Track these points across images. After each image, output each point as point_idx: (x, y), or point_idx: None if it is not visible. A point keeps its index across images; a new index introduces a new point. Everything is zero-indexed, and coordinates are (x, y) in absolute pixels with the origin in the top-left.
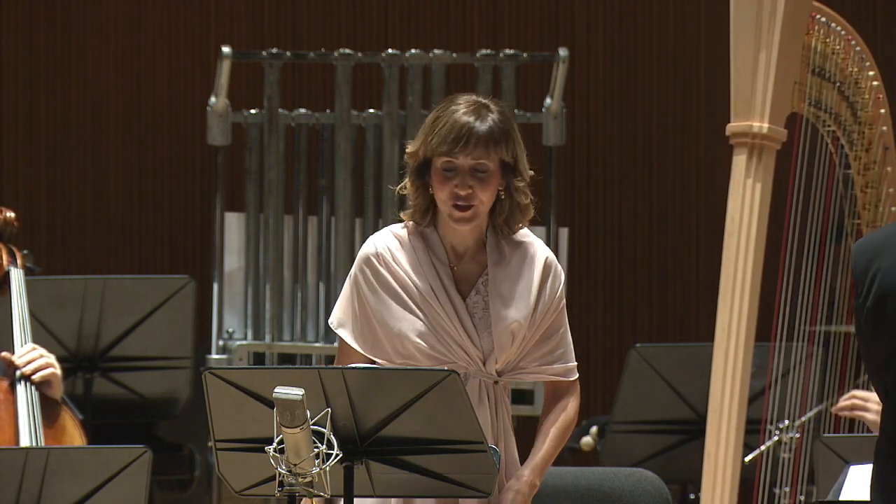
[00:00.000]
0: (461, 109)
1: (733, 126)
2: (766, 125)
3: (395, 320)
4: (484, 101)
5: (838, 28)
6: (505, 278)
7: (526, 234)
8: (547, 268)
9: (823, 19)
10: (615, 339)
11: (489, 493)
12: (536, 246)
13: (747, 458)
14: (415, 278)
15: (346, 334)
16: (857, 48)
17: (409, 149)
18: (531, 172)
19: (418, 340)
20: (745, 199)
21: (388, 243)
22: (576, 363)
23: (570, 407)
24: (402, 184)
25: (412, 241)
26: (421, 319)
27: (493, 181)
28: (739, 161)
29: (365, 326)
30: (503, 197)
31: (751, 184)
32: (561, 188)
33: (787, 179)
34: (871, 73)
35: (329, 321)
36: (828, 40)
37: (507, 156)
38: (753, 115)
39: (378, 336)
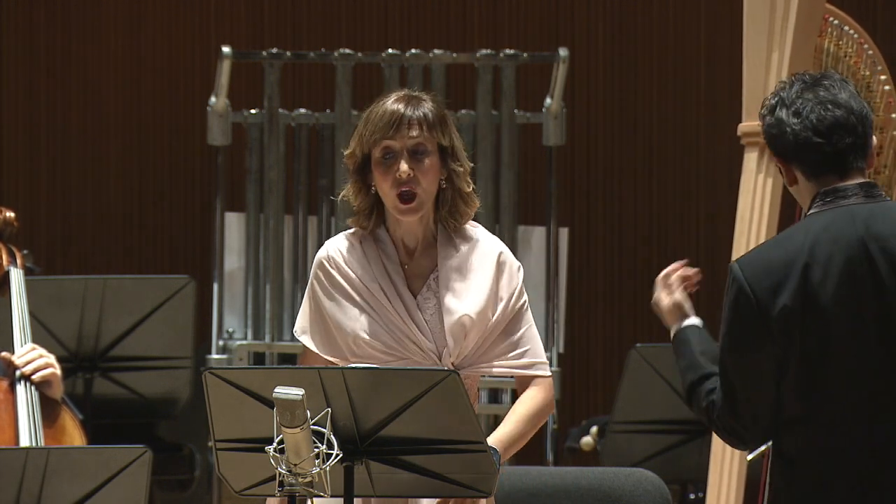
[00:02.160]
0: (391, 100)
1: (745, 126)
2: None
3: (349, 321)
4: (415, 93)
5: (851, 31)
6: (456, 272)
7: (477, 230)
8: (501, 263)
9: (836, 22)
10: (615, 339)
11: (490, 493)
12: (489, 241)
13: (749, 457)
14: (365, 278)
15: (307, 340)
16: (870, 52)
17: (346, 151)
18: (471, 164)
19: (372, 339)
20: (756, 198)
21: (339, 246)
22: (543, 361)
23: (538, 396)
24: (344, 190)
25: (363, 242)
26: (373, 318)
27: (433, 164)
28: (750, 160)
29: (323, 330)
30: (444, 186)
31: (762, 183)
32: (561, 188)
33: None
34: (882, 77)
35: (294, 330)
36: (840, 43)
37: (445, 140)
38: None
39: (334, 338)
